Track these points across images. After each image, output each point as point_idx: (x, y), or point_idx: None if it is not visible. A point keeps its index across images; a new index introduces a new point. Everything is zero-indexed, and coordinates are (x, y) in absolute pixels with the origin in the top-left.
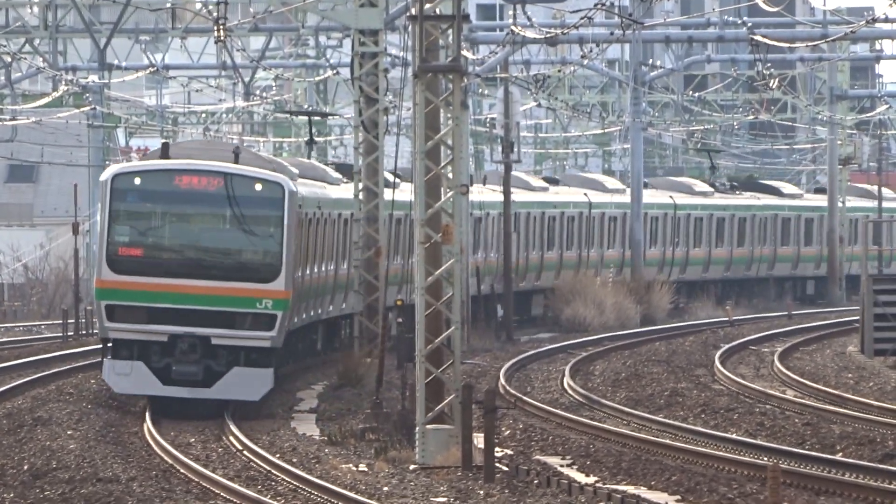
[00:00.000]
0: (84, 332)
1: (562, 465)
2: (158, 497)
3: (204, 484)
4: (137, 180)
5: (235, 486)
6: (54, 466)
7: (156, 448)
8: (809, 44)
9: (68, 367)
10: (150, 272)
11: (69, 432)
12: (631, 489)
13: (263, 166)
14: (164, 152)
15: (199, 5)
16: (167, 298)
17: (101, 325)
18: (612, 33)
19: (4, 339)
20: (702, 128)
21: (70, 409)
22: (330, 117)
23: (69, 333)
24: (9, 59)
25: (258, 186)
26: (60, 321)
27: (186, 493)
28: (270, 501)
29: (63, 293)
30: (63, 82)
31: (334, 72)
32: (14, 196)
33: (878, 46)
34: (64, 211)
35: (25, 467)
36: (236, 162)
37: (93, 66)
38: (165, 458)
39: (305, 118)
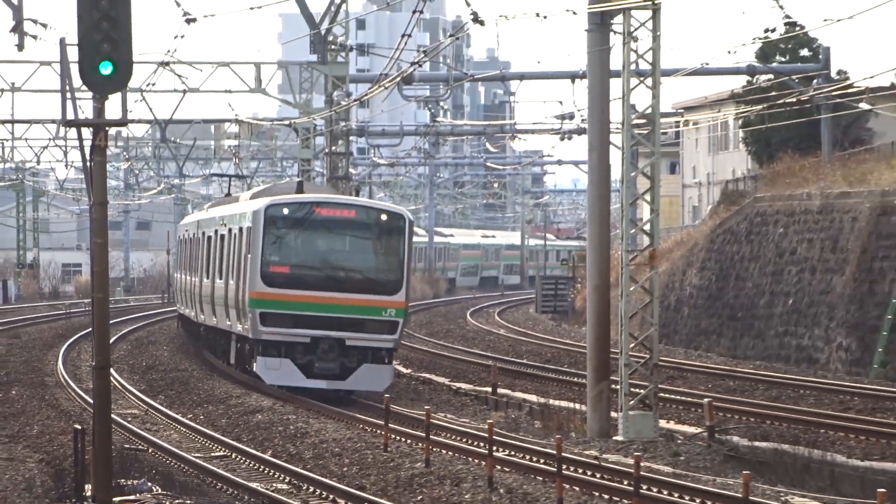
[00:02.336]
0: (170, 300)
1: (397, 364)
2: (207, 377)
3: (227, 372)
4: (286, 210)
5: (242, 377)
6: (157, 363)
7: (206, 356)
8: (513, 165)
9: (164, 317)
10: (296, 286)
11: (164, 348)
12: (428, 375)
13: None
14: (300, 188)
15: (226, 145)
16: (310, 307)
17: (255, 328)
18: (420, 161)
19: (135, 304)
20: (462, 206)
21: (164, 337)
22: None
23: (165, 300)
24: (137, 172)
25: (384, 217)
26: (160, 295)
27: (220, 378)
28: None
29: (162, 282)
30: (162, 183)
31: (290, 178)
32: (140, 236)
33: (544, 168)
34: (163, 244)
35: (144, 363)
36: (356, 196)
37: (175, 175)
38: (211, 361)
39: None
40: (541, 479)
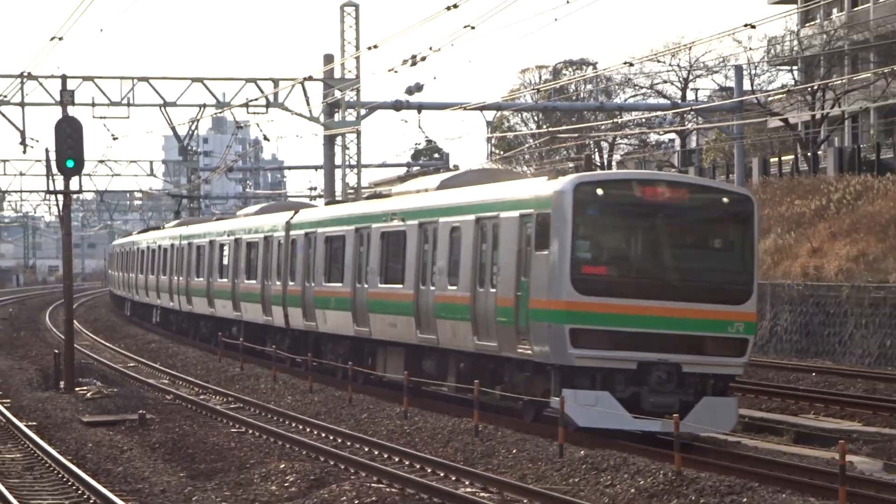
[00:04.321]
0: (106, 286)
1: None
2: (125, 325)
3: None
4: (600, 191)
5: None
6: (98, 318)
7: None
8: None
9: (102, 294)
10: (617, 293)
11: (102, 310)
12: None
13: None
14: (588, 164)
15: (136, 204)
16: (636, 322)
17: (561, 351)
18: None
19: (87, 287)
20: None
21: (102, 303)
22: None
23: (103, 285)
24: (88, 218)
25: (725, 200)
26: (100, 282)
27: (132, 326)
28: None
29: (101, 276)
30: (101, 223)
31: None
32: (90, 252)
33: None
34: (101, 255)
35: (92, 318)
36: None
37: (108, 220)
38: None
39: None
40: (300, 377)
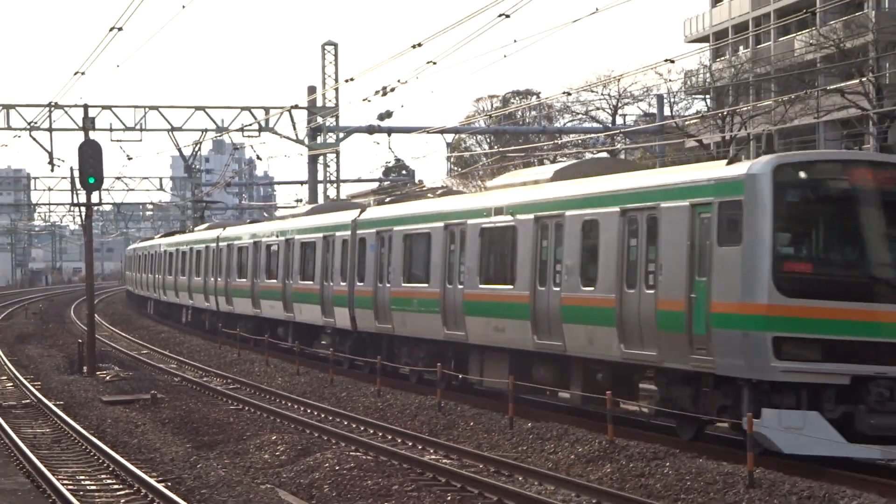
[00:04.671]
0: (122, 284)
1: None
2: (139, 317)
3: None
4: (802, 174)
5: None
6: (115, 311)
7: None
8: None
9: (119, 292)
10: (826, 294)
11: (119, 305)
12: None
13: None
14: (770, 144)
15: (148, 214)
16: (850, 329)
17: (764, 363)
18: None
19: (106, 285)
20: None
21: (118, 299)
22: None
23: (120, 284)
24: (106, 226)
25: None
26: (118, 281)
27: (145, 318)
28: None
29: (119, 275)
30: (118, 231)
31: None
32: (108, 255)
33: None
34: (119, 258)
35: (110, 311)
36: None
37: (123, 228)
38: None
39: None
40: (289, 361)
